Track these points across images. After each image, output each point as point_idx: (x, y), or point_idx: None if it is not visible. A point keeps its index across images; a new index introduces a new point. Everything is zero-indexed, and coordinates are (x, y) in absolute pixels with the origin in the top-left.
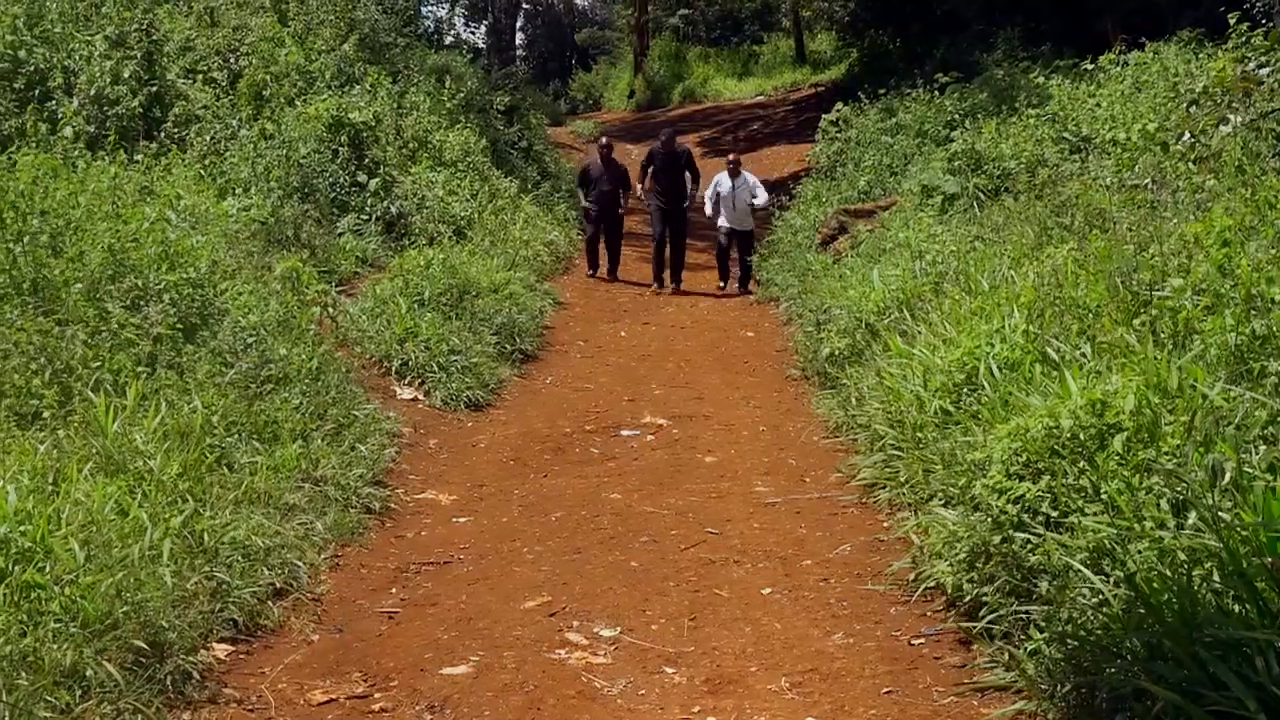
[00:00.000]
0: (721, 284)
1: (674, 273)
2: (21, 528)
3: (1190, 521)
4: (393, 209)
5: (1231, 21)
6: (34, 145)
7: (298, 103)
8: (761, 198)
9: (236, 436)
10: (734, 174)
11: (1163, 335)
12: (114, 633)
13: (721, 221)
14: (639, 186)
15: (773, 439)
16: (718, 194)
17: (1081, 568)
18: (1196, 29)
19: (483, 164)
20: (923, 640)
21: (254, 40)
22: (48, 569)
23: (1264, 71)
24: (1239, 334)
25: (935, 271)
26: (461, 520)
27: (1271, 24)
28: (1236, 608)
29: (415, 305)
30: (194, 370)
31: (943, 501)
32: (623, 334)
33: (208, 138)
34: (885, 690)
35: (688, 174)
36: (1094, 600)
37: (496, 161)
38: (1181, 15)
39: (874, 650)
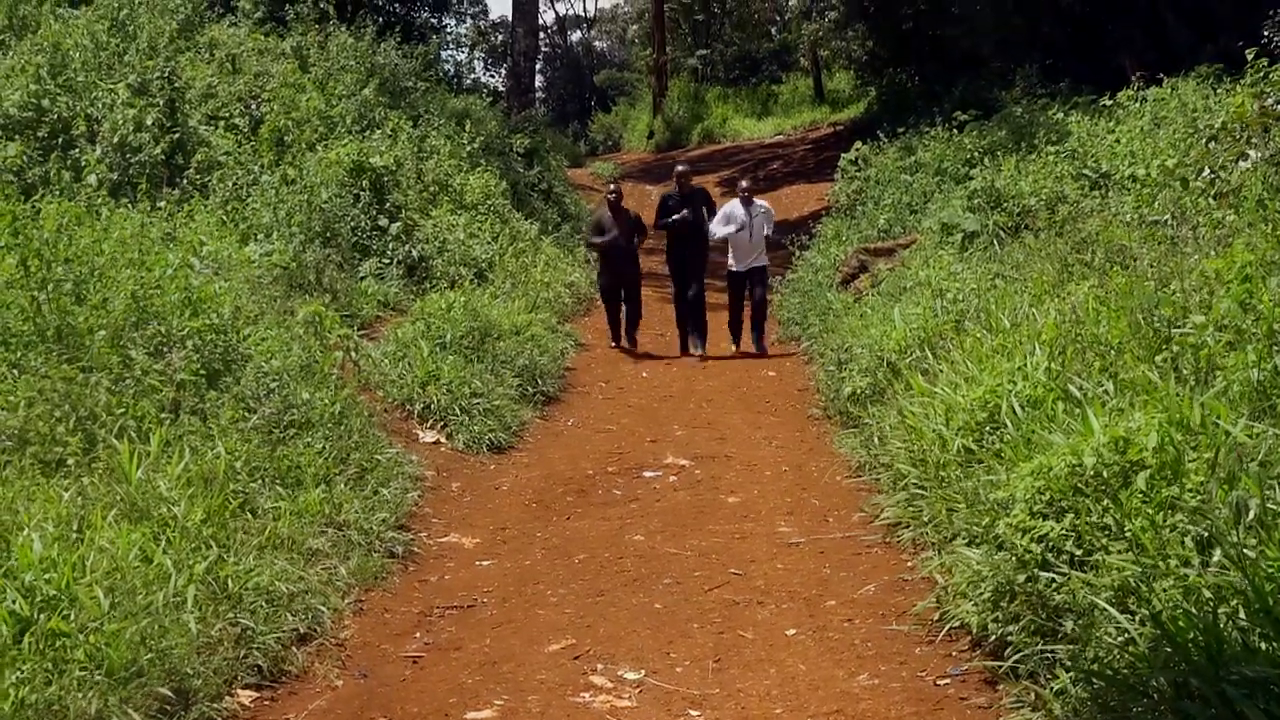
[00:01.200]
0: (735, 345)
1: (697, 332)
2: (46, 575)
3: (1215, 559)
4: (414, 252)
5: (1249, 57)
6: (58, 193)
7: (319, 148)
8: (771, 228)
9: (260, 482)
10: (747, 202)
11: (1185, 372)
12: (139, 680)
13: (733, 263)
14: (656, 227)
15: (795, 479)
16: (729, 223)
17: (1107, 606)
18: (1214, 64)
19: (503, 206)
20: (948, 681)
21: (275, 86)
22: (73, 617)
23: None
24: (1261, 370)
25: (956, 309)
26: (485, 563)
27: None
28: (1263, 645)
29: (437, 348)
30: (217, 416)
31: (966, 541)
32: (644, 374)
33: (230, 184)
34: None
35: (706, 214)
36: (1120, 639)
37: (517, 204)
38: (1199, 51)
39: (899, 691)
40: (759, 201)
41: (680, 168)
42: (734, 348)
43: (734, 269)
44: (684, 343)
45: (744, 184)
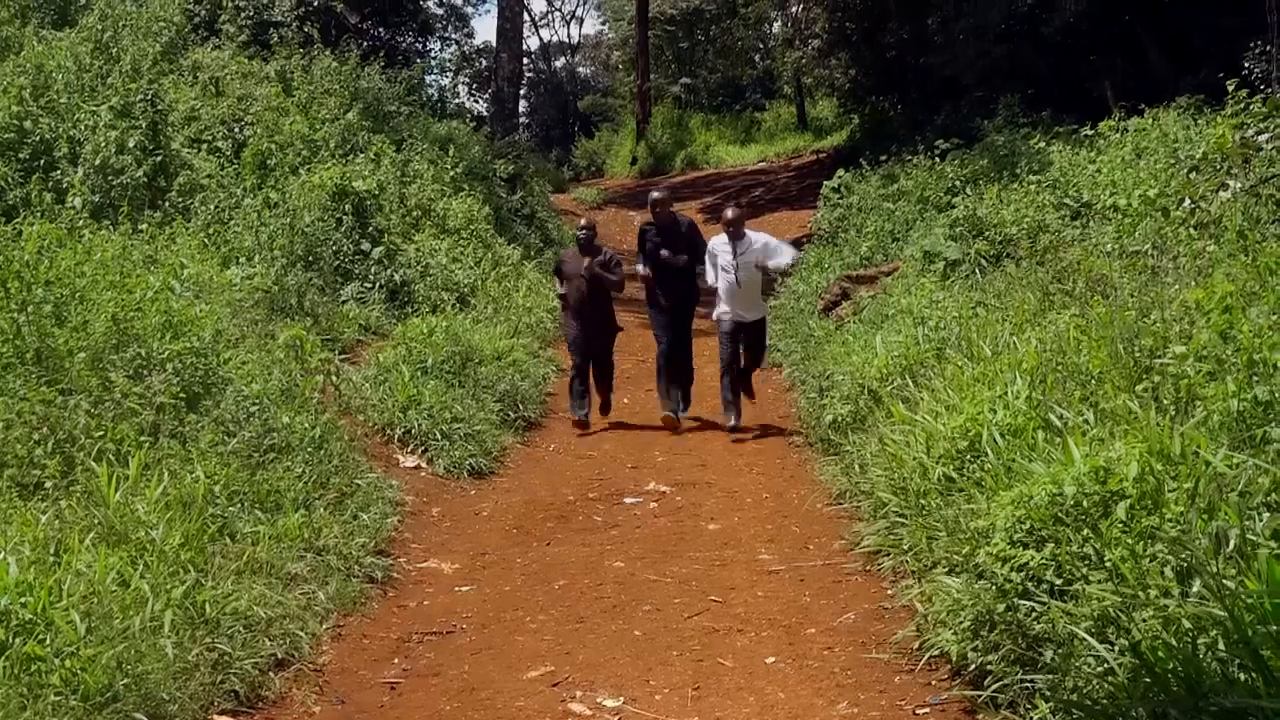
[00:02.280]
0: (732, 421)
1: (679, 394)
2: (23, 599)
3: (1195, 589)
4: (396, 277)
5: (1230, 88)
6: (39, 215)
7: (302, 171)
8: (786, 255)
9: (239, 506)
10: (735, 236)
11: (1165, 402)
12: (114, 705)
13: (722, 312)
14: (642, 269)
15: (776, 506)
16: (715, 268)
17: (1086, 636)
18: (1195, 95)
19: (486, 231)
20: (928, 710)
21: (258, 110)
22: (48, 641)
23: (1263, 138)
24: (1241, 400)
25: (938, 337)
26: (464, 589)
27: (1270, 90)
28: (1242, 676)
29: (418, 373)
30: (197, 439)
31: (946, 569)
32: (625, 400)
33: (212, 207)
34: None
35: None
36: (1099, 669)
37: (500, 229)
38: (1180, 81)
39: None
40: (753, 234)
41: (655, 194)
42: (731, 422)
43: (723, 318)
44: (668, 400)
45: (729, 213)
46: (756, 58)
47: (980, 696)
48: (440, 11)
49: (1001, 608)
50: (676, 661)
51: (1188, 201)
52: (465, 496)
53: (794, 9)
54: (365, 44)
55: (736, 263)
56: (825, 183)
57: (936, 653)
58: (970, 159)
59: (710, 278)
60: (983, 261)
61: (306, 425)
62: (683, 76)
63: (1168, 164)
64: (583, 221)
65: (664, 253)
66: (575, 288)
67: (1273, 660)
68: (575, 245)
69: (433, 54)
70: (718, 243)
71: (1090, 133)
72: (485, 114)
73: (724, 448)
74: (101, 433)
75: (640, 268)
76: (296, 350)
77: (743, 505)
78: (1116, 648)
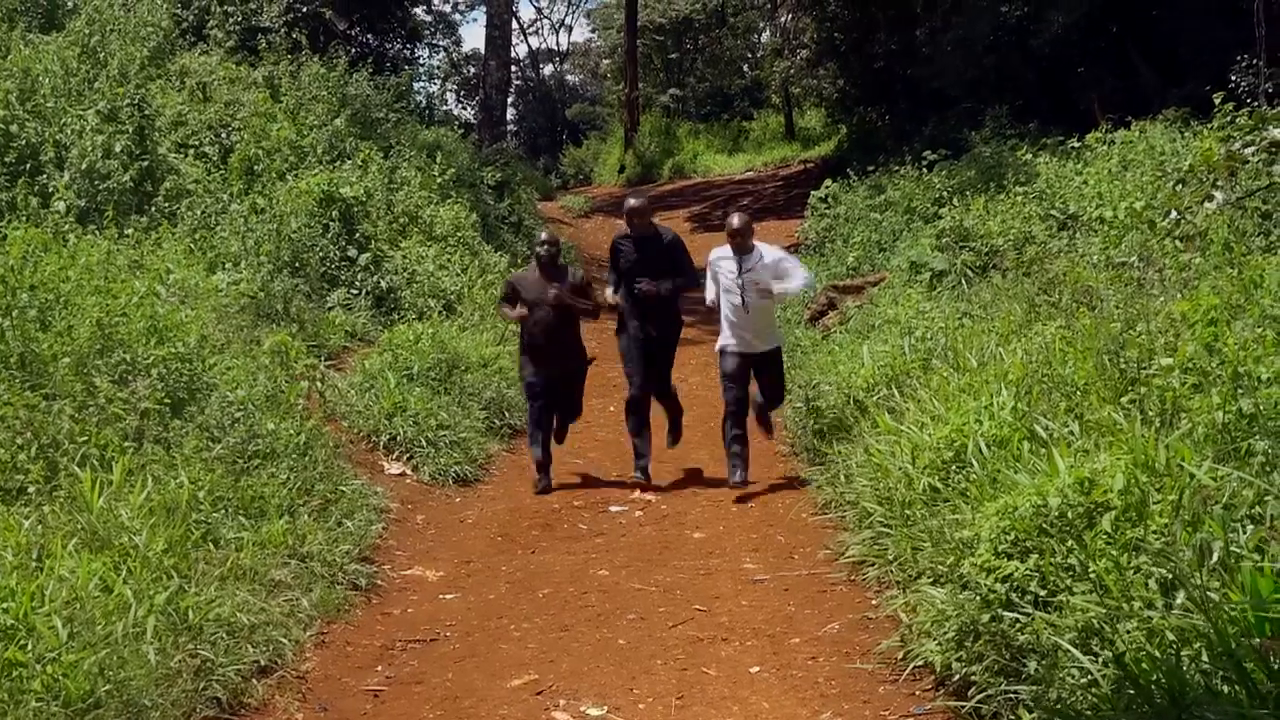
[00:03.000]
0: (738, 476)
1: (670, 431)
2: (4, 605)
3: (1179, 601)
4: (383, 283)
5: (1217, 101)
6: (25, 219)
7: (289, 177)
8: (799, 278)
9: (223, 512)
10: (742, 248)
11: (1150, 413)
12: (96, 712)
13: (726, 342)
14: (611, 293)
15: (761, 515)
16: (717, 286)
17: (1070, 647)
18: (1182, 108)
19: (473, 239)
20: None
21: (246, 115)
22: (30, 647)
23: (1249, 150)
24: (1226, 413)
25: (924, 348)
26: (448, 597)
27: (1256, 103)
28: (1225, 688)
29: (404, 380)
30: (181, 445)
31: (931, 580)
32: (611, 409)
33: (198, 212)
34: None
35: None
36: (1083, 680)
37: (487, 236)
38: (1167, 94)
39: None
40: (763, 247)
41: (631, 201)
42: (736, 477)
43: (728, 349)
44: (638, 454)
45: (735, 220)
46: (745, 67)
47: (964, 707)
48: (429, 19)
49: (986, 618)
50: (660, 670)
51: (1174, 214)
52: (450, 504)
53: (783, 19)
54: (353, 50)
55: (743, 281)
56: (813, 192)
57: (921, 663)
58: (957, 170)
59: (710, 295)
60: (969, 272)
61: (291, 431)
62: (671, 85)
63: (1154, 176)
64: (543, 235)
65: (642, 285)
66: (537, 318)
67: (1256, 673)
68: (533, 264)
69: (421, 61)
70: (720, 256)
71: (1077, 144)
72: (473, 121)
73: (710, 456)
74: (85, 438)
75: (609, 291)
76: (282, 356)
77: (728, 514)
78: (1100, 659)
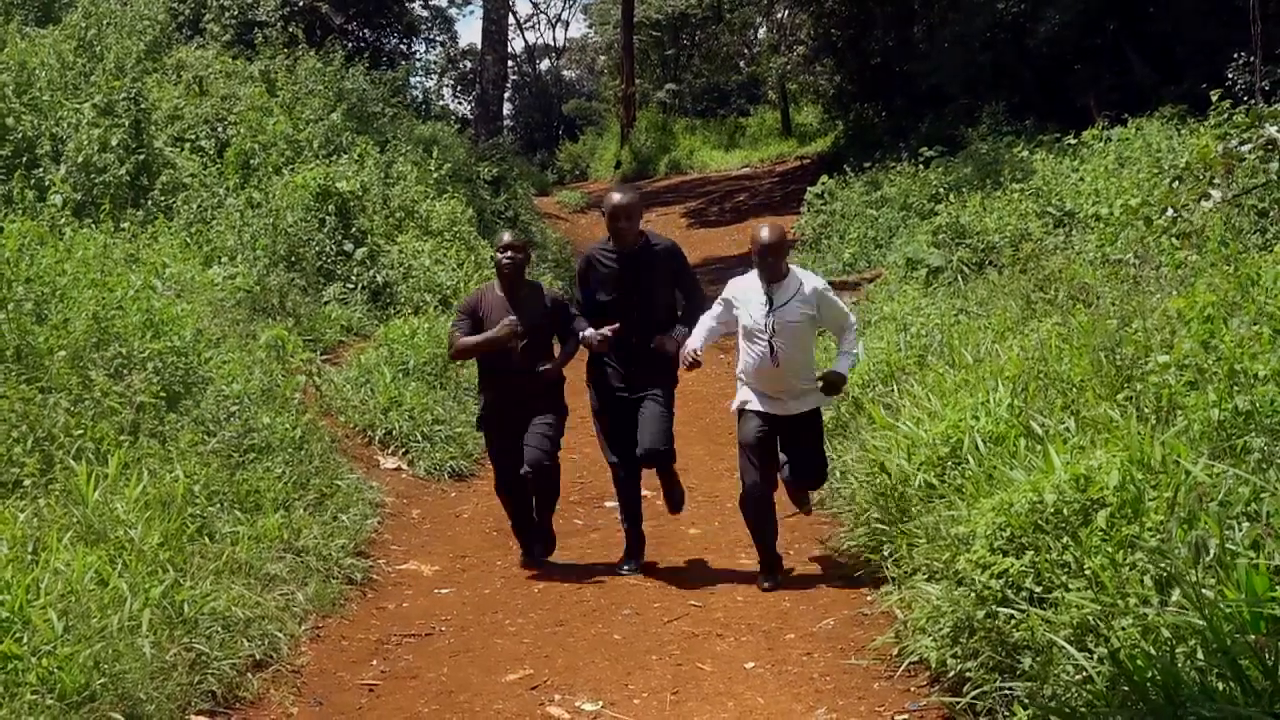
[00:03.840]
0: (767, 581)
1: (668, 500)
2: None
3: (1174, 598)
4: (379, 278)
5: (1213, 98)
6: (21, 212)
7: (285, 171)
8: (851, 332)
9: (218, 506)
10: (773, 274)
11: (1146, 410)
12: (91, 705)
13: (745, 400)
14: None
15: None
16: (738, 321)
17: (1065, 644)
18: (1179, 105)
19: (469, 233)
20: (906, 716)
21: (242, 109)
22: (25, 640)
23: (1245, 148)
24: (1222, 410)
25: (920, 344)
26: (443, 591)
27: (1253, 101)
28: (1220, 685)
29: (400, 374)
30: (176, 439)
31: (926, 576)
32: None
33: (194, 206)
34: None
35: (678, 293)
36: (1078, 677)
37: (483, 231)
38: (1164, 92)
39: None
40: (803, 274)
41: (616, 196)
42: (768, 583)
43: (749, 408)
44: (631, 543)
45: (764, 233)
46: (741, 63)
47: (959, 703)
48: (425, 13)
49: (981, 615)
50: (655, 665)
51: (1170, 211)
52: (446, 499)
53: (779, 15)
54: (350, 45)
55: (773, 321)
56: (809, 189)
57: (916, 659)
58: (954, 167)
59: (699, 342)
60: (965, 269)
61: (287, 426)
62: (668, 81)
63: (1151, 173)
64: (505, 237)
65: (588, 333)
66: (502, 353)
67: (1251, 670)
68: (496, 282)
69: (417, 56)
70: (744, 288)
71: (1074, 141)
72: (469, 116)
73: (705, 453)
74: (81, 431)
75: (580, 325)
76: (278, 351)
77: (724, 510)
78: (1095, 656)
